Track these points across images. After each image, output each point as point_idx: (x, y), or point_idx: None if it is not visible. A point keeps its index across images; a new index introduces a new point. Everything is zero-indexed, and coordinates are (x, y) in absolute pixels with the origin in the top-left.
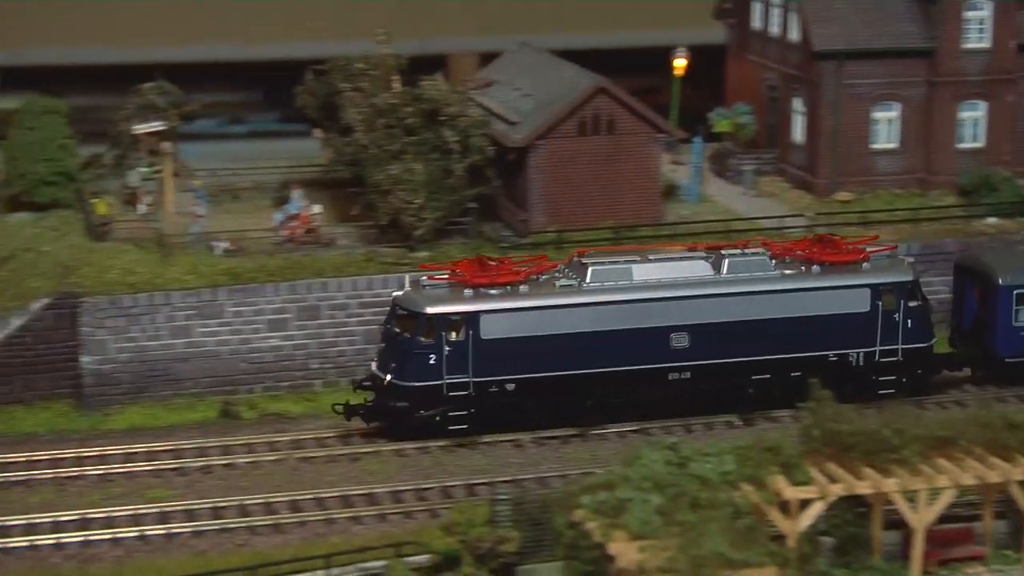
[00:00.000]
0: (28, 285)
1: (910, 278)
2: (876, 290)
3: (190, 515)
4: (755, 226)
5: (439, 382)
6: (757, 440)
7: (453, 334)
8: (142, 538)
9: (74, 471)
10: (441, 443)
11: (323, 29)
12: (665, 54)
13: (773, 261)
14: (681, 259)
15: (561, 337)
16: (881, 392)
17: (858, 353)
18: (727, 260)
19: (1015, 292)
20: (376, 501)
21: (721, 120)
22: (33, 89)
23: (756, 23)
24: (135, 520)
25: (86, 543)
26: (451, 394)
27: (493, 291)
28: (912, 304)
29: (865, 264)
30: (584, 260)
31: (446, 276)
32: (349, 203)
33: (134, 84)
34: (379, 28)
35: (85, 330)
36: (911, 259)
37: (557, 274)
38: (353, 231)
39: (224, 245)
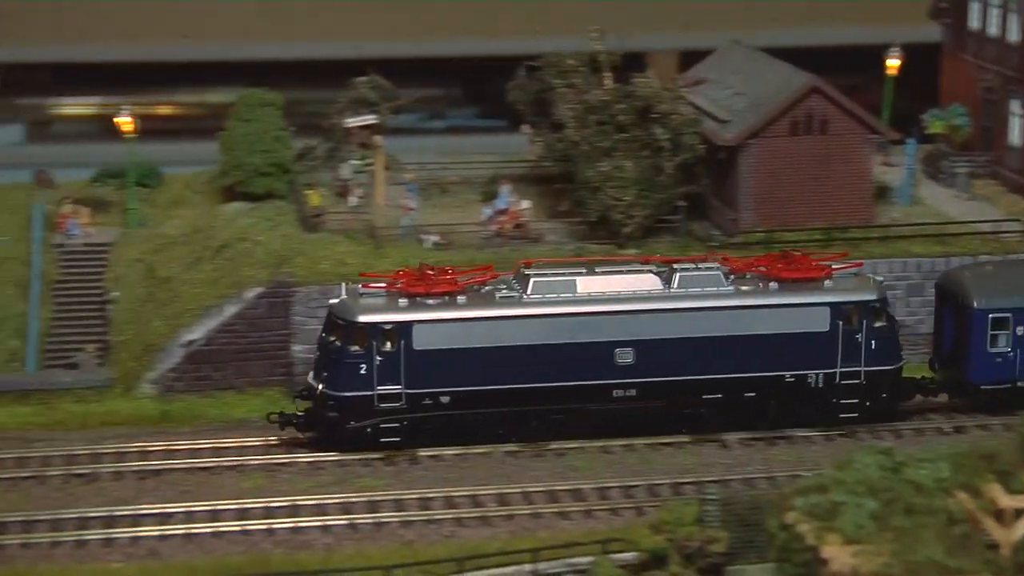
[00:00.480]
0: (243, 274)
1: (874, 297)
2: (836, 309)
3: (398, 505)
4: (969, 230)
5: (370, 393)
6: (973, 447)
7: (385, 344)
8: (351, 526)
9: (285, 458)
10: (647, 441)
11: (522, 26)
12: (870, 52)
13: (729, 277)
14: (629, 272)
15: (499, 350)
16: (843, 416)
17: (817, 374)
18: (678, 274)
19: (990, 316)
20: (582, 497)
21: (936, 121)
22: (247, 82)
23: (974, 23)
24: (344, 508)
25: (296, 529)
26: (382, 405)
27: (430, 301)
28: (877, 324)
29: (827, 282)
30: (527, 271)
31: (383, 285)
32: (558, 199)
33: (346, 79)
34: (588, 25)
35: (297, 319)
36: (880, 278)
37: (501, 285)
38: (562, 227)
39: (434, 238)
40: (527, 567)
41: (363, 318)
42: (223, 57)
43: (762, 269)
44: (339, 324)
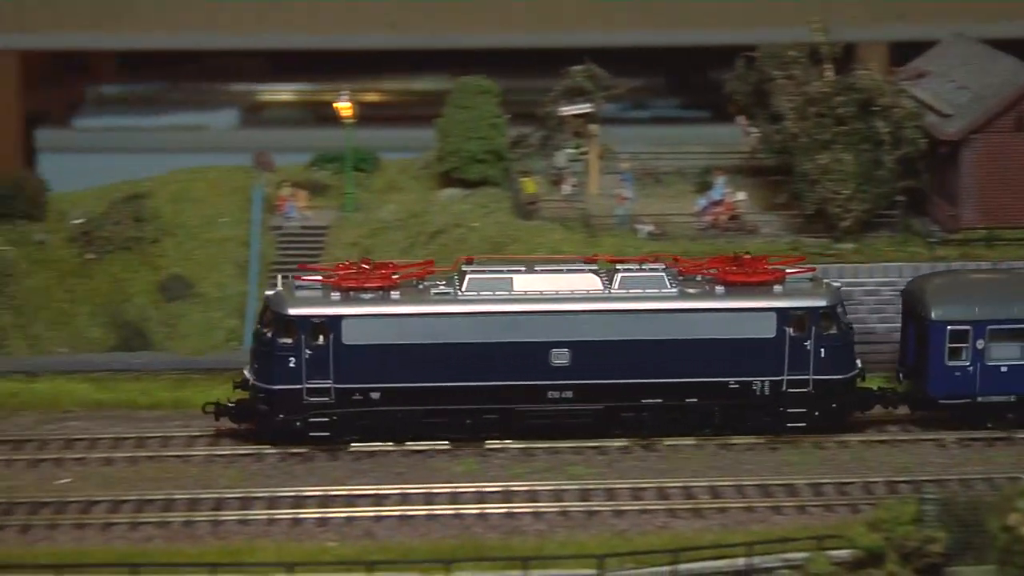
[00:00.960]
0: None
1: (824, 304)
2: (783, 315)
3: (610, 494)
4: None
5: (299, 387)
6: None
7: (315, 338)
8: (564, 514)
9: (496, 444)
10: (860, 437)
11: (725, 16)
12: None
13: (674, 279)
14: (569, 271)
15: (431, 347)
16: (790, 425)
17: (763, 381)
18: (619, 275)
19: (949, 328)
20: (796, 493)
21: None
22: (454, 71)
23: None
24: (556, 495)
25: (509, 515)
26: (311, 399)
27: (363, 295)
28: (826, 332)
29: (776, 287)
30: (465, 267)
31: (319, 278)
32: (773, 191)
33: (560, 67)
34: (800, 16)
35: None
36: (837, 284)
37: (439, 281)
38: (777, 220)
39: (648, 228)
40: (741, 561)
41: (293, 311)
42: (433, 45)
43: (712, 272)
44: (271, 316)
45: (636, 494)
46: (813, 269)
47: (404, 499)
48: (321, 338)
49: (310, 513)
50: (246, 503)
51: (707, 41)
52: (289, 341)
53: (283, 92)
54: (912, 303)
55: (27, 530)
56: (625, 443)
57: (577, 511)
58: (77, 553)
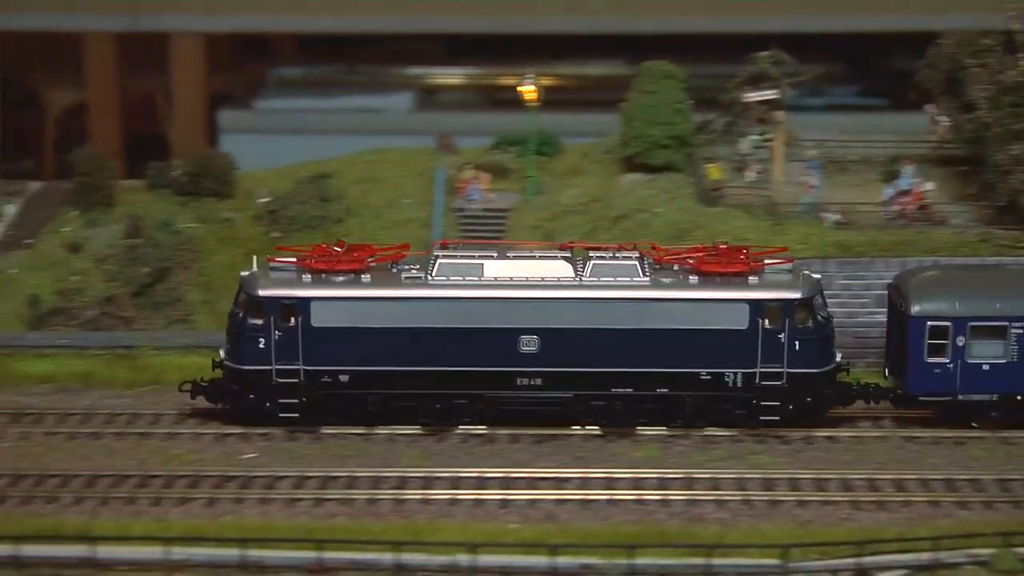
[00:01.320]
0: (641, 244)
1: (798, 296)
2: (756, 306)
3: (793, 484)
4: None
5: (268, 367)
6: None
7: (284, 319)
8: (746, 503)
9: (680, 431)
10: None
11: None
12: None
13: (648, 267)
14: (541, 258)
15: (399, 331)
16: (763, 418)
17: (735, 373)
18: (591, 263)
19: (929, 324)
20: (982, 488)
21: None
22: (639, 55)
23: None
24: (739, 484)
25: (691, 502)
26: (280, 380)
27: (334, 278)
28: (801, 325)
29: (752, 278)
30: (438, 252)
31: (294, 260)
32: (962, 182)
33: (745, 53)
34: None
35: None
36: (816, 276)
37: (412, 265)
38: (967, 211)
39: (835, 217)
40: (926, 555)
41: (263, 292)
42: (611, 30)
43: (690, 261)
44: (244, 297)
45: (820, 485)
46: (791, 260)
47: (585, 483)
48: (291, 320)
49: (492, 494)
50: (428, 482)
51: (892, 27)
52: (259, 322)
53: (457, 76)
54: (895, 298)
55: (213, 503)
56: (806, 432)
57: (760, 500)
58: (262, 527)
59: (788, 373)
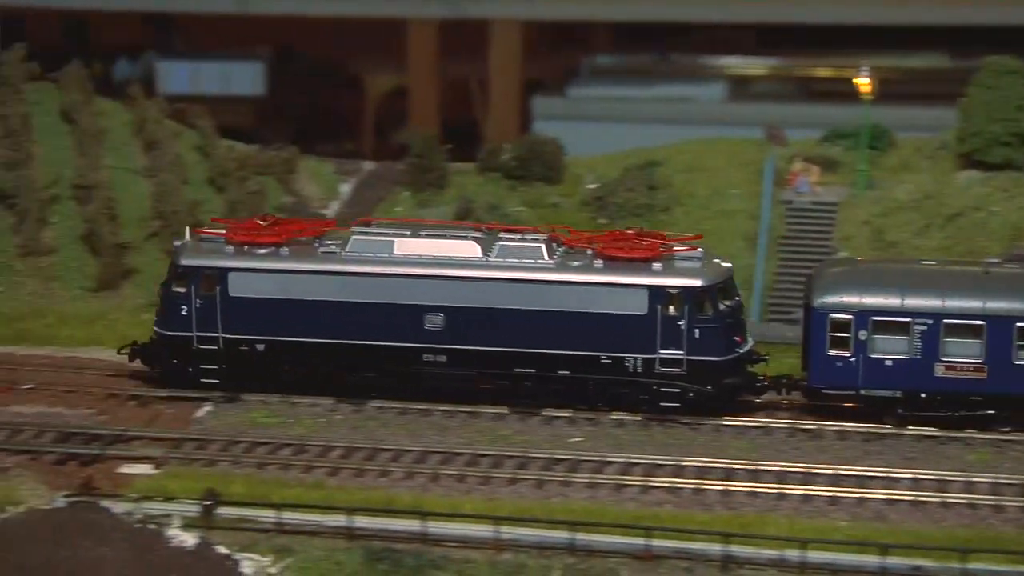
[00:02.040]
0: (976, 244)
1: (699, 284)
2: (656, 292)
3: None
4: None
5: (189, 334)
6: None
7: (205, 288)
8: None
9: (1015, 436)
10: None
11: None
12: None
13: (555, 250)
14: (451, 237)
15: (312, 304)
16: (664, 405)
17: (635, 359)
18: (499, 244)
19: (830, 317)
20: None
21: None
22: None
23: None
24: None
25: None
26: (201, 347)
27: (255, 250)
28: (701, 313)
29: (656, 264)
30: (355, 229)
31: (223, 232)
32: None
33: None
34: None
35: None
36: (727, 264)
37: (332, 240)
38: None
39: None
40: None
41: (185, 261)
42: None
43: (599, 246)
44: (171, 266)
45: None
46: (695, 248)
47: (916, 484)
48: (211, 289)
49: (821, 491)
50: (755, 475)
51: None
52: (182, 290)
53: (768, 66)
54: (806, 289)
55: (541, 485)
56: None
57: None
58: (591, 511)
59: (688, 360)
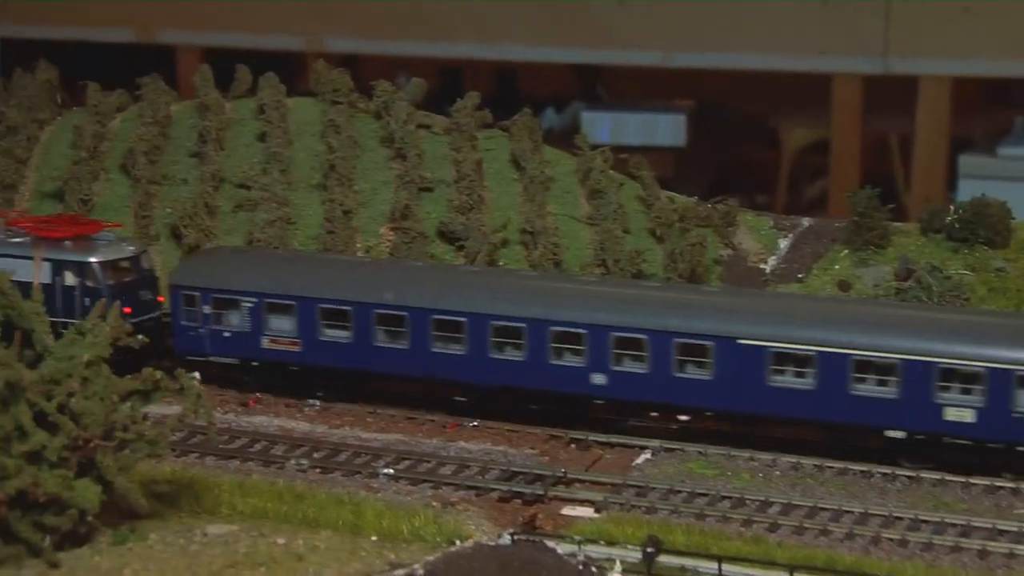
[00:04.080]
0: None
1: (92, 260)
2: (57, 265)
3: None
4: None
5: None
6: None
7: None
8: None
9: None
10: None
11: None
12: None
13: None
14: None
15: None
16: None
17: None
18: None
19: (182, 292)
20: None
21: None
22: None
23: None
24: None
25: None
26: None
27: None
28: (90, 285)
29: (68, 243)
30: None
31: None
32: None
33: None
34: None
35: None
36: (131, 248)
37: None
38: None
39: None
40: None
41: None
42: None
43: (42, 227)
44: None
45: None
46: (117, 225)
47: None
48: None
49: None
50: None
51: None
52: None
53: None
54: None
55: (984, 555)
56: None
57: None
58: None
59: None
